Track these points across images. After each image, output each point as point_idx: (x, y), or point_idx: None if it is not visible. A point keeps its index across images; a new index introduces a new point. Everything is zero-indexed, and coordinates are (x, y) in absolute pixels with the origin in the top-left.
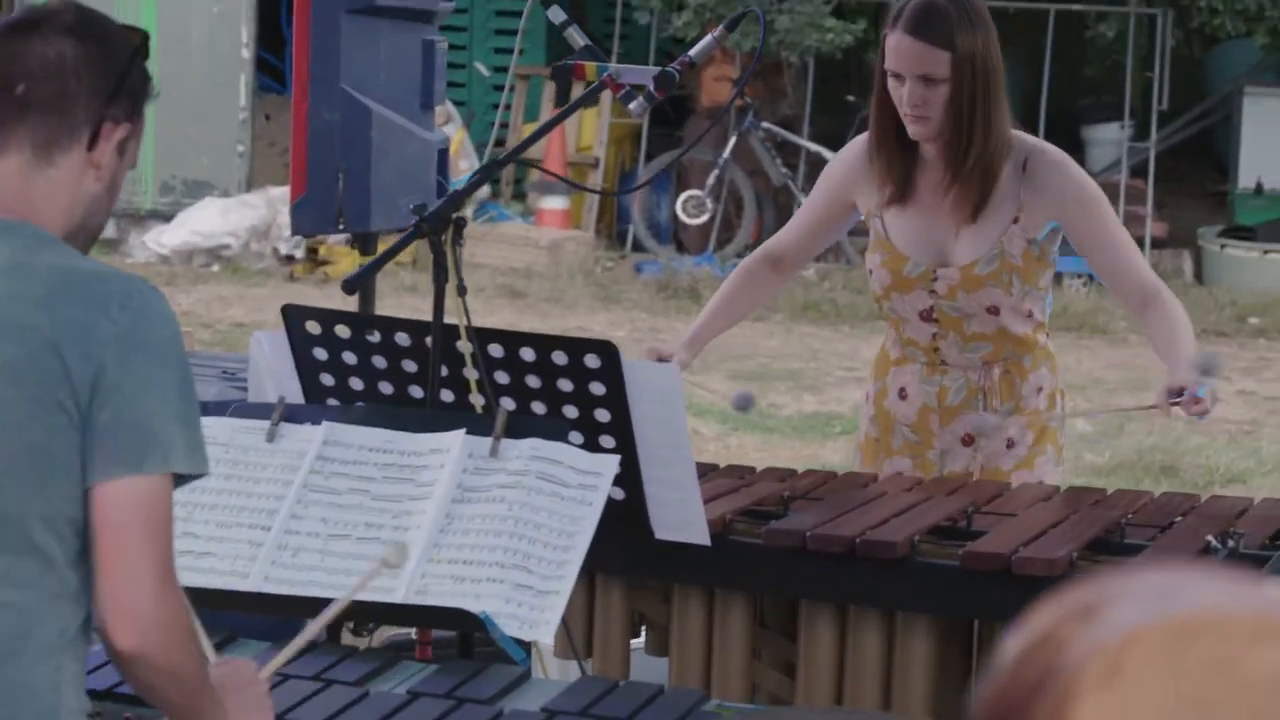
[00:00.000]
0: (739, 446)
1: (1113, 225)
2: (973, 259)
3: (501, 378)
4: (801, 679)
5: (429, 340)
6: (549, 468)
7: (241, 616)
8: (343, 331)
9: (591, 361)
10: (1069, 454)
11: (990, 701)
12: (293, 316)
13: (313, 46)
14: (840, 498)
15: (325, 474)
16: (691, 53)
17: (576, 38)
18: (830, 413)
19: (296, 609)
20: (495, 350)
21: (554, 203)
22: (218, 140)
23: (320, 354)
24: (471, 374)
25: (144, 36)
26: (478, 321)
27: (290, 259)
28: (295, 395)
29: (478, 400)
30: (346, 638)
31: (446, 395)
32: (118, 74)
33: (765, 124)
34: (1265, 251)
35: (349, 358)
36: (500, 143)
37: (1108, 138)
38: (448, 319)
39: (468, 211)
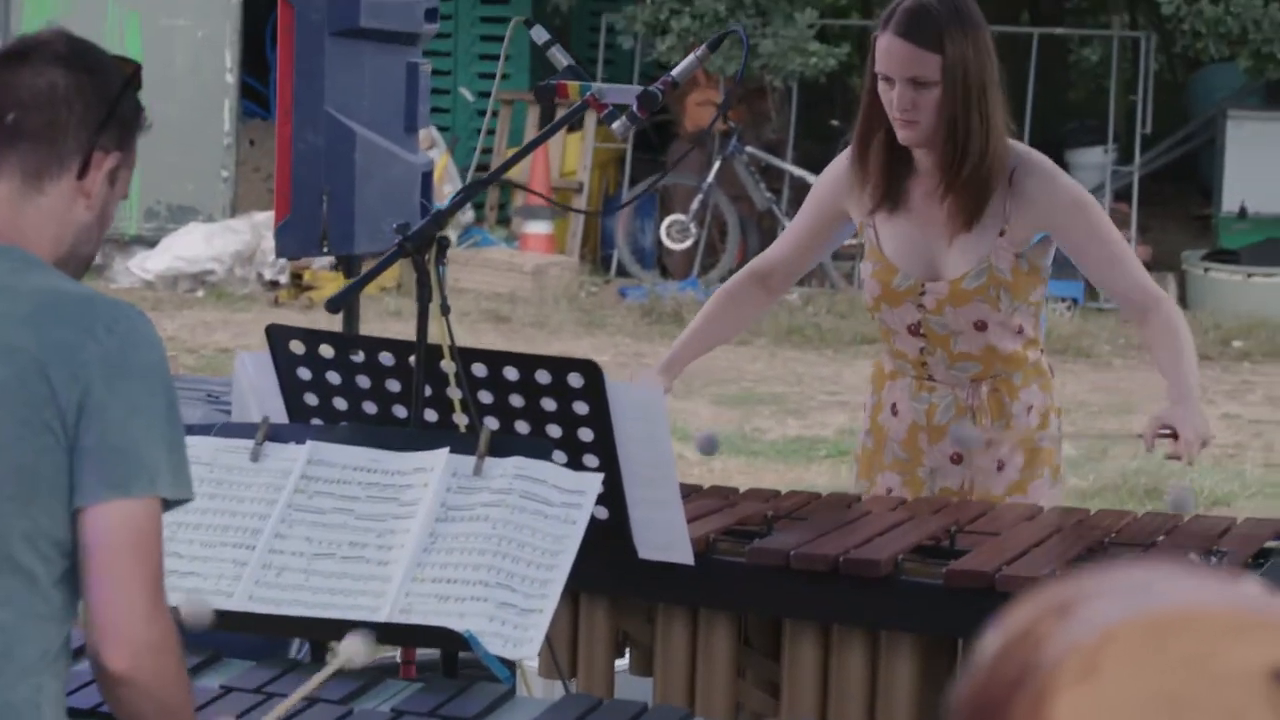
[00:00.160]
0: (723, 471)
1: (1107, 231)
2: (961, 272)
3: (485, 397)
4: (786, 698)
5: (413, 360)
6: (533, 486)
7: (226, 636)
8: (326, 351)
9: (575, 381)
10: None
11: (968, 698)
12: (277, 336)
13: (297, 69)
14: (824, 517)
15: (309, 493)
16: (674, 72)
17: (560, 57)
18: (814, 436)
19: (281, 628)
20: (479, 370)
21: (538, 228)
22: (202, 166)
23: (304, 374)
24: (455, 393)
25: (135, 67)
26: (462, 345)
27: (275, 284)
28: (279, 415)
29: (461, 420)
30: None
31: (430, 415)
32: (109, 103)
33: (749, 148)
34: (1249, 275)
35: (333, 377)
36: (483, 168)
37: (1091, 162)
38: (431, 339)
39: (452, 235)
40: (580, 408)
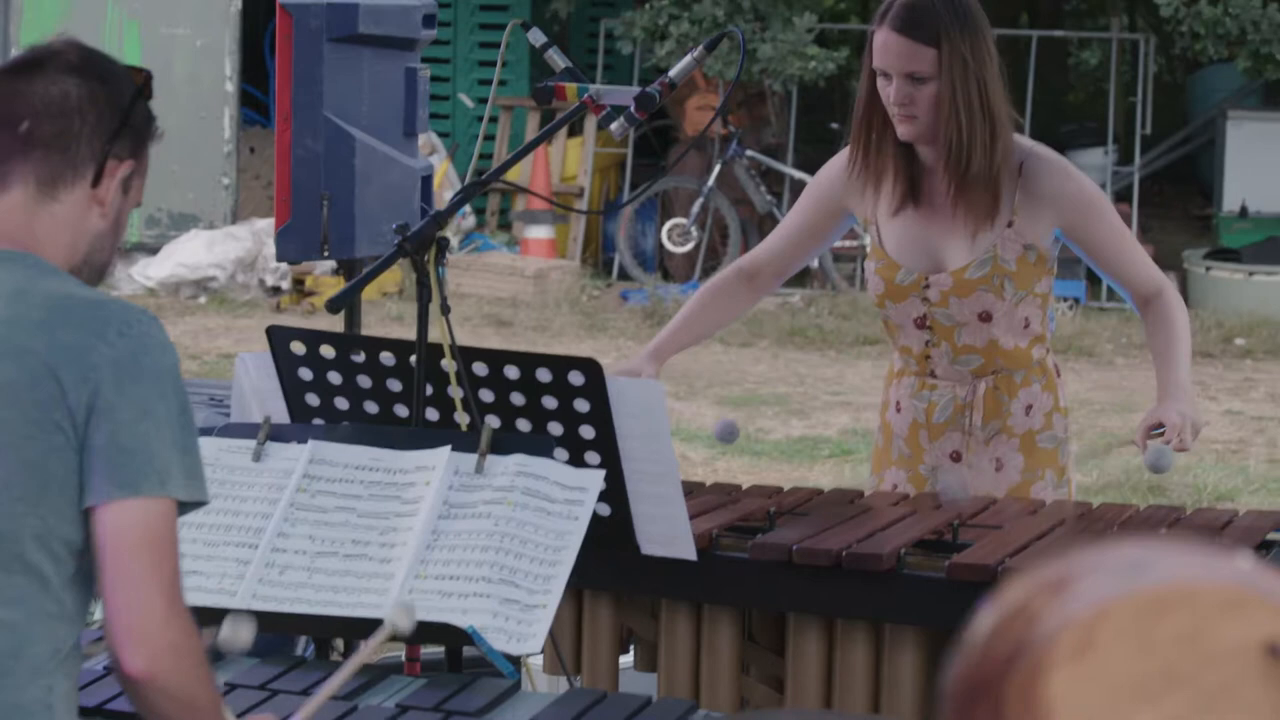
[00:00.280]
0: (727, 470)
1: (1115, 225)
2: (965, 263)
3: (486, 396)
4: (790, 692)
5: (413, 359)
6: (534, 483)
7: None
8: (327, 352)
9: (575, 379)
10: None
11: (963, 674)
12: (278, 337)
13: (295, 74)
14: (826, 513)
15: (312, 492)
16: (671, 73)
17: (557, 59)
18: (817, 436)
19: (284, 626)
20: (480, 368)
21: (539, 232)
22: (203, 173)
23: (305, 374)
24: (456, 392)
25: (147, 76)
26: (463, 345)
27: (276, 290)
28: (281, 415)
29: (463, 418)
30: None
31: (431, 414)
32: (121, 112)
33: (749, 152)
34: (1250, 274)
35: (334, 377)
36: (483, 173)
37: (1092, 163)
38: (432, 339)
39: (454, 240)
40: (581, 405)
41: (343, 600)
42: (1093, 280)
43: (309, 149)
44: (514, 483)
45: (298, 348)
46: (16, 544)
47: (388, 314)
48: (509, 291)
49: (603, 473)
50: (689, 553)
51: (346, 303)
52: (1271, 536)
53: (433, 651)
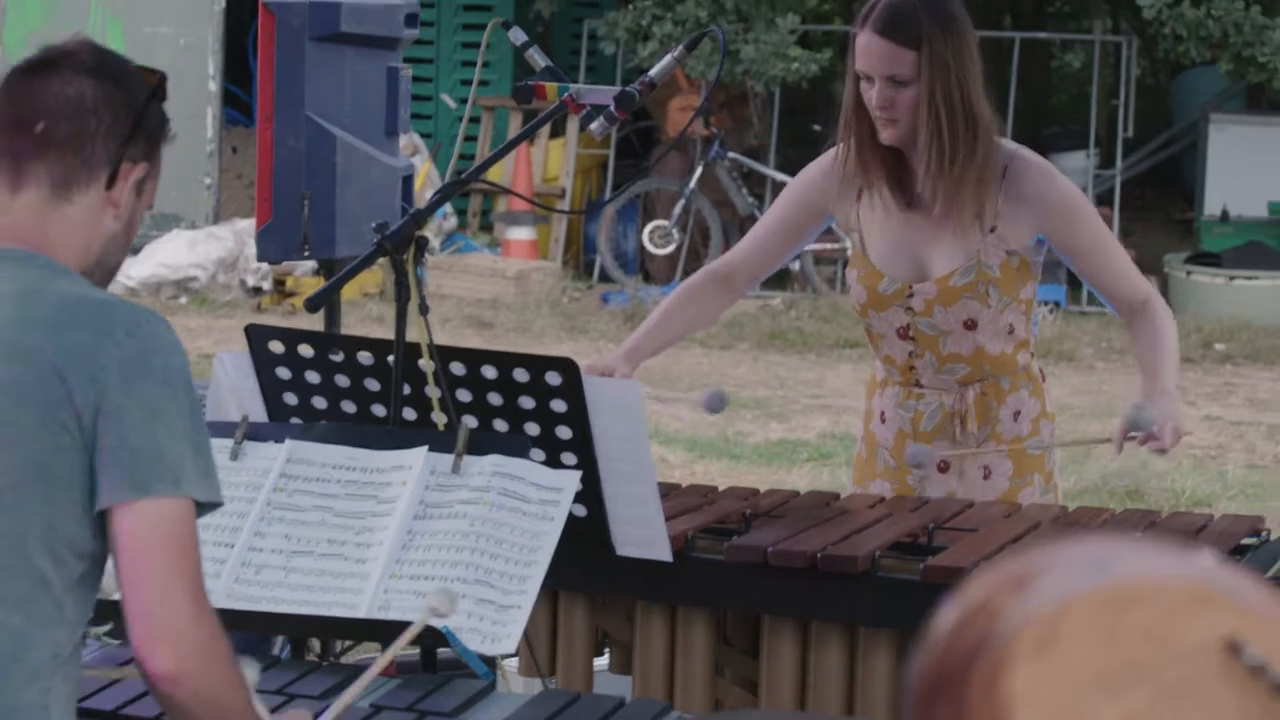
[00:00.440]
0: (705, 473)
1: (1099, 232)
2: (949, 270)
3: (463, 395)
4: (764, 694)
5: (391, 358)
6: (510, 484)
7: None
8: (306, 351)
9: (552, 379)
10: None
11: (926, 669)
12: (256, 336)
13: (277, 73)
14: (802, 515)
15: (289, 491)
16: (651, 73)
17: (537, 59)
18: (797, 440)
19: (260, 625)
20: (457, 368)
21: (521, 233)
22: (185, 173)
23: (283, 373)
24: (434, 392)
25: (161, 77)
26: (440, 344)
27: (258, 290)
28: (259, 414)
29: (440, 418)
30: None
31: (409, 413)
32: (135, 114)
33: (731, 154)
34: (1231, 278)
35: (312, 377)
36: (462, 173)
37: (1073, 166)
38: (411, 339)
39: (435, 242)
40: (558, 405)
41: (318, 599)
42: (1073, 284)
43: (290, 148)
44: (490, 483)
45: (276, 347)
46: (21, 545)
47: (368, 314)
48: (490, 293)
49: (579, 473)
50: (664, 554)
51: (325, 301)
52: (1246, 541)
53: (408, 653)
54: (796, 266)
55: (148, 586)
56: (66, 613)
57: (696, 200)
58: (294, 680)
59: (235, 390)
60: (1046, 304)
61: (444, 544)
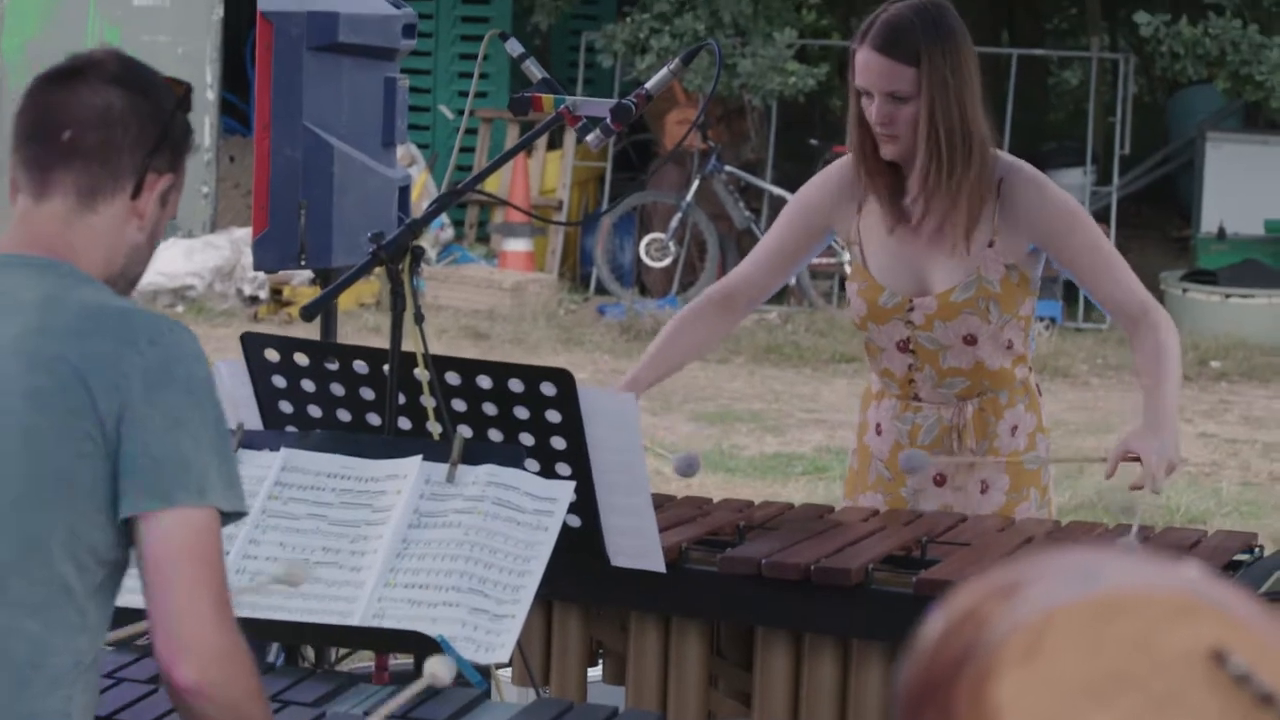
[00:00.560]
0: (701, 487)
1: (1098, 242)
2: (950, 285)
3: (458, 405)
4: (757, 706)
5: (386, 368)
6: (505, 493)
7: None
8: (301, 359)
9: (547, 389)
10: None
11: (913, 678)
12: (251, 345)
13: (275, 83)
14: (796, 527)
15: (283, 499)
16: (648, 85)
17: (534, 70)
18: (792, 453)
19: (255, 632)
20: (452, 378)
21: (517, 245)
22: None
23: (279, 382)
24: (429, 401)
25: (186, 88)
26: (436, 354)
27: (254, 299)
28: (254, 423)
29: (435, 427)
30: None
31: (404, 422)
32: (162, 125)
33: (728, 167)
34: (1227, 296)
35: (307, 385)
36: (458, 184)
37: (1070, 183)
38: (407, 349)
39: (431, 253)
40: (553, 416)
41: (313, 607)
42: (1069, 300)
43: (287, 157)
44: (485, 492)
45: (271, 355)
46: (44, 552)
47: (365, 324)
48: (486, 304)
49: (573, 484)
50: (658, 565)
51: (321, 309)
52: (1239, 557)
53: (402, 662)
54: (793, 281)
55: (172, 597)
56: (89, 620)
57: (693, 213)
58: (288, 687)
59: (231, 398)
60: (1042, 320)
61: (438, 553)
